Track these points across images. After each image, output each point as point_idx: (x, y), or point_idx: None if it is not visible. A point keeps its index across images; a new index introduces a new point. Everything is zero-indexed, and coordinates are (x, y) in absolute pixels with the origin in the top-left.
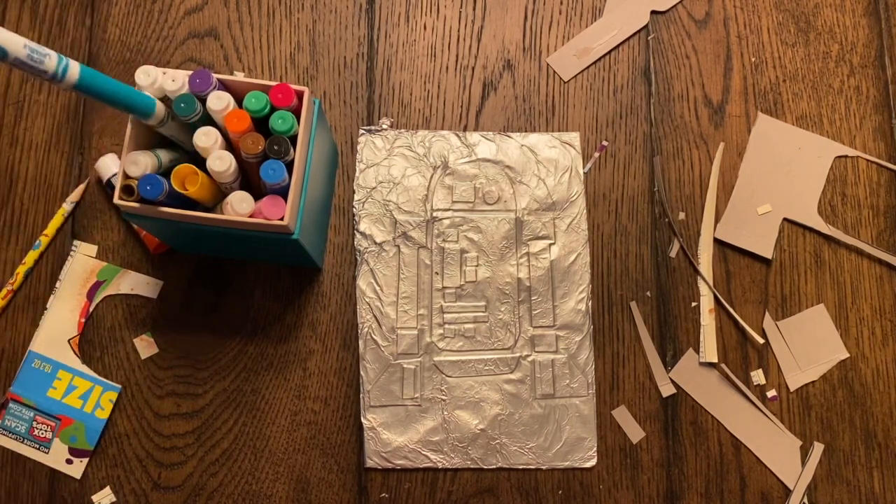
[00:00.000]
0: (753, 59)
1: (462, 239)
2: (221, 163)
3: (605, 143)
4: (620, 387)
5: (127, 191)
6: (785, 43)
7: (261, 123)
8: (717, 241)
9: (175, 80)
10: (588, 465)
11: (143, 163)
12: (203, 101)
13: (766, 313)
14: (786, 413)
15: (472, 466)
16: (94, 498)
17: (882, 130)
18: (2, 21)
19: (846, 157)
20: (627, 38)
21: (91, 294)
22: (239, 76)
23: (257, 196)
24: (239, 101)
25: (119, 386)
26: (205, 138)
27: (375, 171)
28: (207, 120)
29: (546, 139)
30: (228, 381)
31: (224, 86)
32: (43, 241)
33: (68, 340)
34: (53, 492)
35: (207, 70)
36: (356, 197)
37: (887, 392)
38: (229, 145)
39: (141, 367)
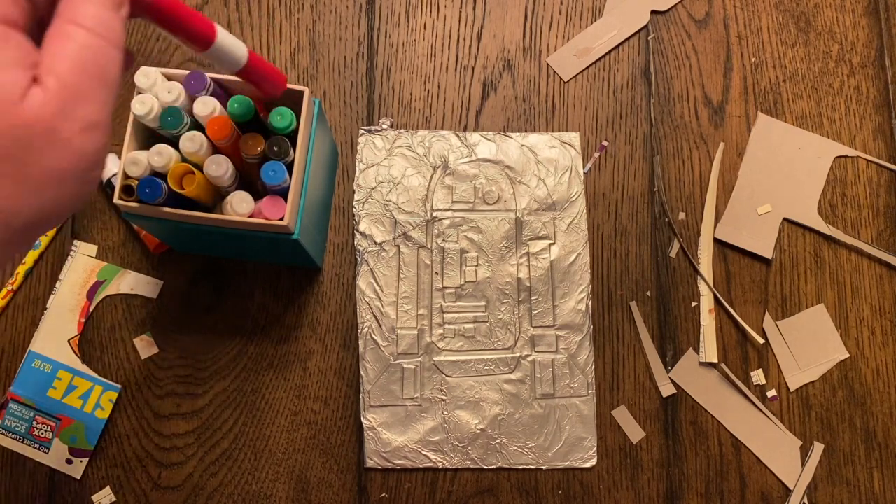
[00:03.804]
0: (753, 59)
1: (462, 239)
2: (218, 167)
3: (605, 143)
4: (620, 387)
5: (127, 191)
6: (785, 43)
7: (260, 123)
8: (717, 241)
9: (171, 92)
10: (588, 465)
11: (143, 163)
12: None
13: (766, 313)
14: (786, 413)
15: (472, 466)
16: (94, 498)
17: (882, 130)
18: None
19: (846, 157)
20: (627, 38)
21: (91, 294)
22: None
23: (257, 196)
24: None
25: (119, 386)
26: (189, 144)
27: (375, 171)
28: (198, 125)
29: (546, 139)
30: (228, 381)
31: (221, 86)
32: (43, 240)
33: (68, 340)
34: (53, 492)
35: (201, 72)
36: (356, 197)
37: (887, 392)
38: (218, 150)
39: (141, 367)
